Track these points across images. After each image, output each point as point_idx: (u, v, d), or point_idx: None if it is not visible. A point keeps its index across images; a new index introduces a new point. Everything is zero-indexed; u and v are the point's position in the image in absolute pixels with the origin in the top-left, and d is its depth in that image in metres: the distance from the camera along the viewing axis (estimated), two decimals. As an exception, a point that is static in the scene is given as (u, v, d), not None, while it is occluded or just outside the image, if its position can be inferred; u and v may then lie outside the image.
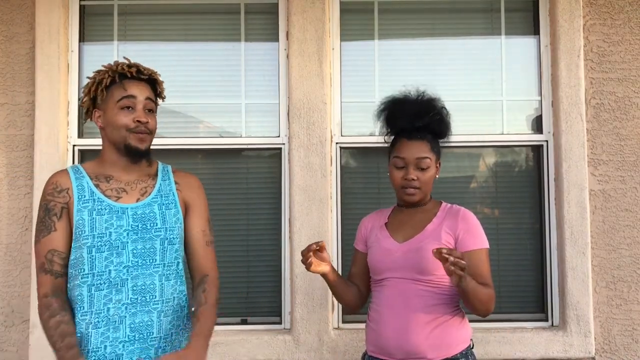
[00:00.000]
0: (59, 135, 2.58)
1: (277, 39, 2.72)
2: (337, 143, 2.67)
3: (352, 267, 1.96)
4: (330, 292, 2.57)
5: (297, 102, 2.61)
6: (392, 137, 1.85)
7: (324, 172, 2.59)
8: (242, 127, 2.73)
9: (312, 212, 2.57)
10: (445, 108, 1.85)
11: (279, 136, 2.68)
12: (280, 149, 2.68)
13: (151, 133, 1.62)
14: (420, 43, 2.78)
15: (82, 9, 2.74)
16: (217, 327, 2.55)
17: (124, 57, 1.66)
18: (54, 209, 1.54)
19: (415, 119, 1.78)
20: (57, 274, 1.53)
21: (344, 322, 2.63)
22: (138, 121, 1.57)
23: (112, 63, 1.62)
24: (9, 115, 2.62)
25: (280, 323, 2.63)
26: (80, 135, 2.69)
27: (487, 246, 1.74)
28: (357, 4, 2.77)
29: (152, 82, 1.66)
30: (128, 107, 1.57)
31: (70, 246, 1.56)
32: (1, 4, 2.65)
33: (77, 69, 2.70)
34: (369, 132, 2.72)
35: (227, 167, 2.72)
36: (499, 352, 2.53)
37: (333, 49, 2.70)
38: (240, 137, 2.72)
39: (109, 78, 1.59)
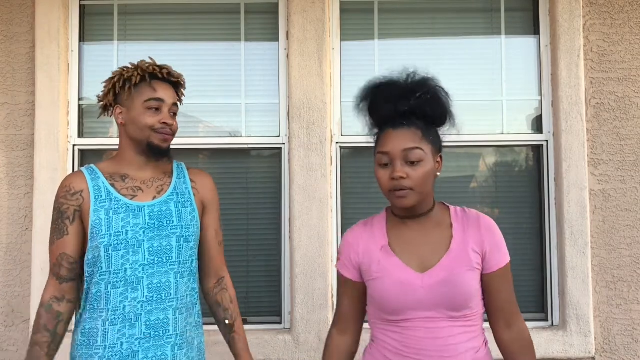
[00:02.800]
0: (59, 135, 2.58)
1: (277, 39, 2.72)
2: (337, 143, 2.67)
3: (342, 300, 1.51)
4: (330, 293, 2.57)
5: (297, 102, 2.61)
6: (377, 132, 1.47)
7: (324, 172, 2.59)
8: (242, 127, 2.73)
9: (312, 212, 2.57)
10: (440, 87, 1.44)
11: (279, 136, 2.68)
12: (280, 149, 2.68)
13: (173, 135, 1.64)
14: (420, 43, 2.78)
15: (82, 8, 2.74)
16: (217, 327, 2.56)
17: (150, 57, 1.66)
18: (67, 212, 1.56)
19: (399, 102, 1.40)
20: (62, 279, 1.56)
21: (344, 322, 2.63)
22: (164, 123, 1.58)
23: (139, 62, 1.63)
24: (9, 115, 2.62)
25: (280, 323, 2.63)
26: (80, 135, 2.69)
27: (509, 257, 1.45)
28: (357, 4, 2.77)
29: (176, 86, 1.68)
30: (155, 109, 1.59)
31: (82, 249, 1.58)
32: (1, 4, 2.65)
33: (77, 69, 2.70)
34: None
35: (227, 167, 2.72)
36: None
37: (333, 48, 2.70)
38: (240, 137, 2.72)
39: (139, 76, 1.59)
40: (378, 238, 1.45)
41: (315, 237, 2.56)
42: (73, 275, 1.56)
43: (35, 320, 1.55)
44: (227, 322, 1.73)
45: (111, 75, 1.64)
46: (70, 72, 2.68)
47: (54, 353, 1.54)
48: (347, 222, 2.66)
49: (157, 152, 1.60)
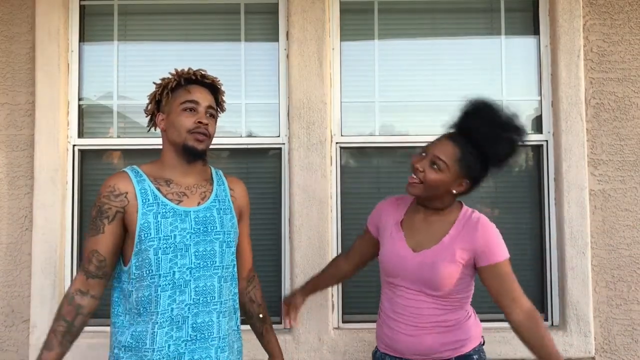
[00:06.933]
0: (59, 135, 2.58)
1: (277, 39, 2.72)
2: (337, 143, 2.67)
3: (356, 241, 1.99)
4: (330, 292, 2.58)
5: (297, 102, 2.61)
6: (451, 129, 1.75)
7: (324, 172, 2.59)
8: (242, 127, 2.73)
9: (312, 212, 2.57)
10: (518, 143, 1.68)
11: (279, 136, 2.68)
12: (280, 149, 2.68)
13: (209, 137, 1.67)
14: (420, 43, 2.79)
15: (82, 9, 2.74)
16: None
17: (190, 68, 1.70)
18: (107, 212, 1.57)
19: (481, 126, 1.63)
20: (90, 274, 1.58)
21: (344, 322, 2.63)
22: (199, 122, 1.62)
23: (177, 70, 1.69)
24: (9, 115, 2.62)
25: (280, 323, 2.63)
26: (80, 135, 2.69)
27: (508, 256, 1.67)
28: (357, 4, 2.77)
29: (215, 91, 1.73)
30: (191, 110, 1.64)
31: (117, 250, 1.60)
32: (1, 4, 2.65)
33: (77, 69, 2.70)
34: (369, 132, 2.72)
35: (227, 167, 2.72)
36: (499, 352, 2.54)
37: (333, 49, 2.70)
38: (240, 137, 2.72)
39: (175, 82, 1.66)
40: (398, 214, 1.81)
41: (315, 237, 2.56)
42: (101, 273, 1.58)
43: (57, 310, 1.58)
44: (260, 315, 1.84)
45: (154, 87, 1.72)
46: (70, 73, 2.68)
47: (68, 343, 1.57)
48: (347, 222, 2.67)
49: (192, 153, 1.64)
